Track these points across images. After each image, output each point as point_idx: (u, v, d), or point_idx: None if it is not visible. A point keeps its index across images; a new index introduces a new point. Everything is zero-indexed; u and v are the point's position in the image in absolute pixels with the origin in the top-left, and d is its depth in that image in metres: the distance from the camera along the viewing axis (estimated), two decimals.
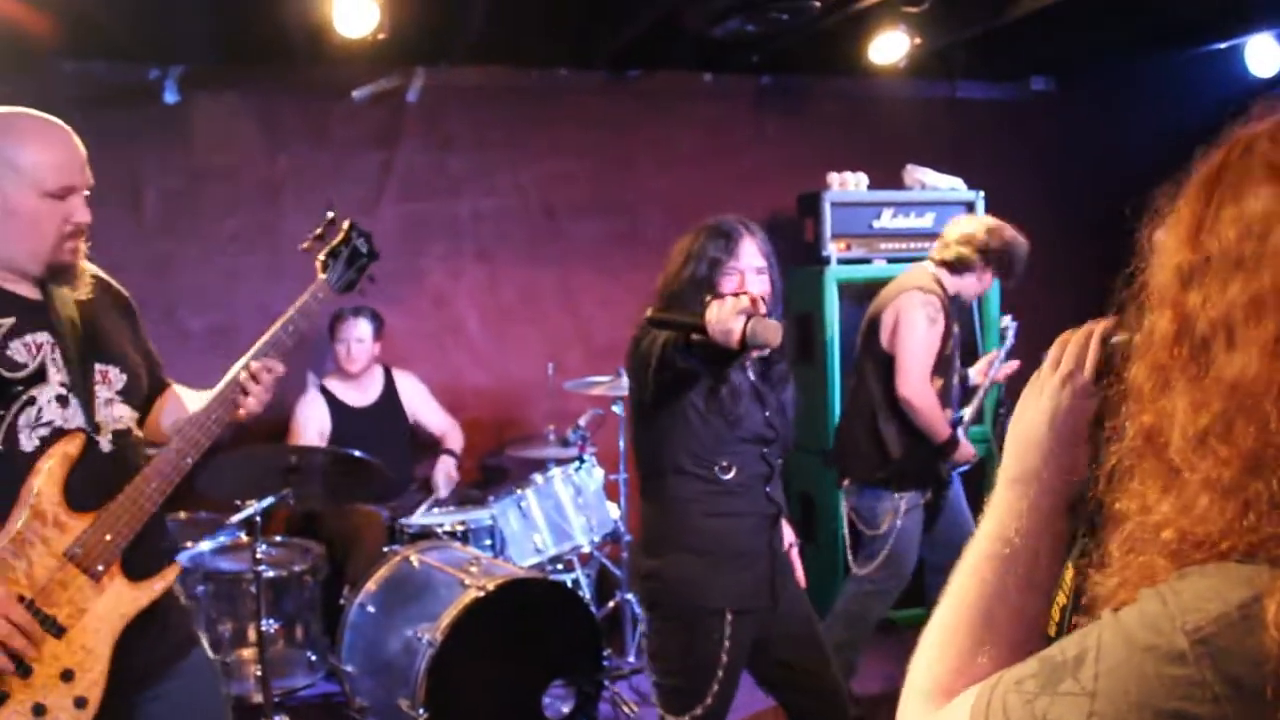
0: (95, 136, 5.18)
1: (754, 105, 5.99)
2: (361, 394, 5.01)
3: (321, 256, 2.48)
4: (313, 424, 4.90)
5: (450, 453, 5.07)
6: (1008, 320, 4.45)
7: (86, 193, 2.24)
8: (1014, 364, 4.32)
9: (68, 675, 2.09)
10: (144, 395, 2.37)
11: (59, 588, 2.10)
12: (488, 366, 5.64)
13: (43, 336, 2.15)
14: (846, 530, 4.30)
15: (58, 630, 2.10)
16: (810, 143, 5.90)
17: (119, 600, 2.17)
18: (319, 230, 2.52)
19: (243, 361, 2.33)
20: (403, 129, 5.48)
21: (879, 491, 4.16)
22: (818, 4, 4.52)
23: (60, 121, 2.24)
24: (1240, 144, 0.92)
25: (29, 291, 2.19)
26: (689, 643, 2.87)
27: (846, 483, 4.31)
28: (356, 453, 4.02)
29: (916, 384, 4.04)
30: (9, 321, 2.13)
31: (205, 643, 2.48)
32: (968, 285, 4.22)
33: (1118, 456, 0.96)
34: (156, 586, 2.23)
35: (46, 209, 2.14)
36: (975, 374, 4.39)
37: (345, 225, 2.50)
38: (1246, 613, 0.80)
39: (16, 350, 2.12)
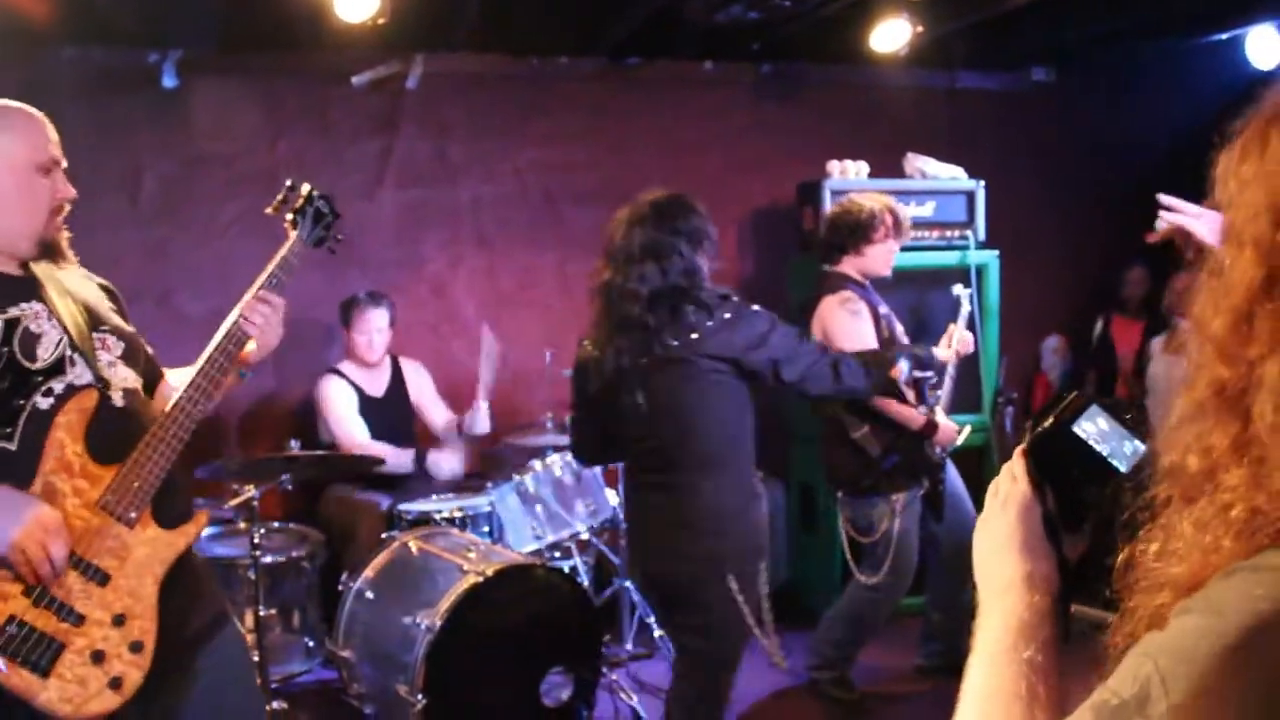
0: (93, 122, 5.26)
1: (754, 93, 5.98)
2: (374, 383, 5.00)
3: (289, 217, 2.59)
4: (344, 402, 4.86)
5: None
6: (959, 289, 4.43)
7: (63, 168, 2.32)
8: (968, 337, 4.25)
9: (119, 620, 2.15)
10: (144, 364, 2.42)
11: (96, 537, 2.16)
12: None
13: (37, 306, 2.22)
14: (845, 540, 4.28)
15: (103, 578, 2.16)
16: (810, 131, 5.89)
17: (156, 545, 2.23)
18: (281, 196, 2.62)
19: (237, 311, 2.39)
20: (402, 115, 5.47)
21: (871, 498, 4.15)
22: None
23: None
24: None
25: (14, 270, 2.25)
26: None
27: (840, 494, 4.31)
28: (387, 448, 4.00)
29: None
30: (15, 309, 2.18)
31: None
32: (865, 263, 4.25)
33: (1181, 408, 0.89)
34: (191, 530, 2.30)
35: (40, 184, 2.23)
36: (939, 352, 4.36)
37: (304, 189, 2.62)
38: None
39: (28, 318, 2.17)
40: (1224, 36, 5.57)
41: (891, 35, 5.04)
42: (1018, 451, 1.15)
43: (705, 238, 3.12)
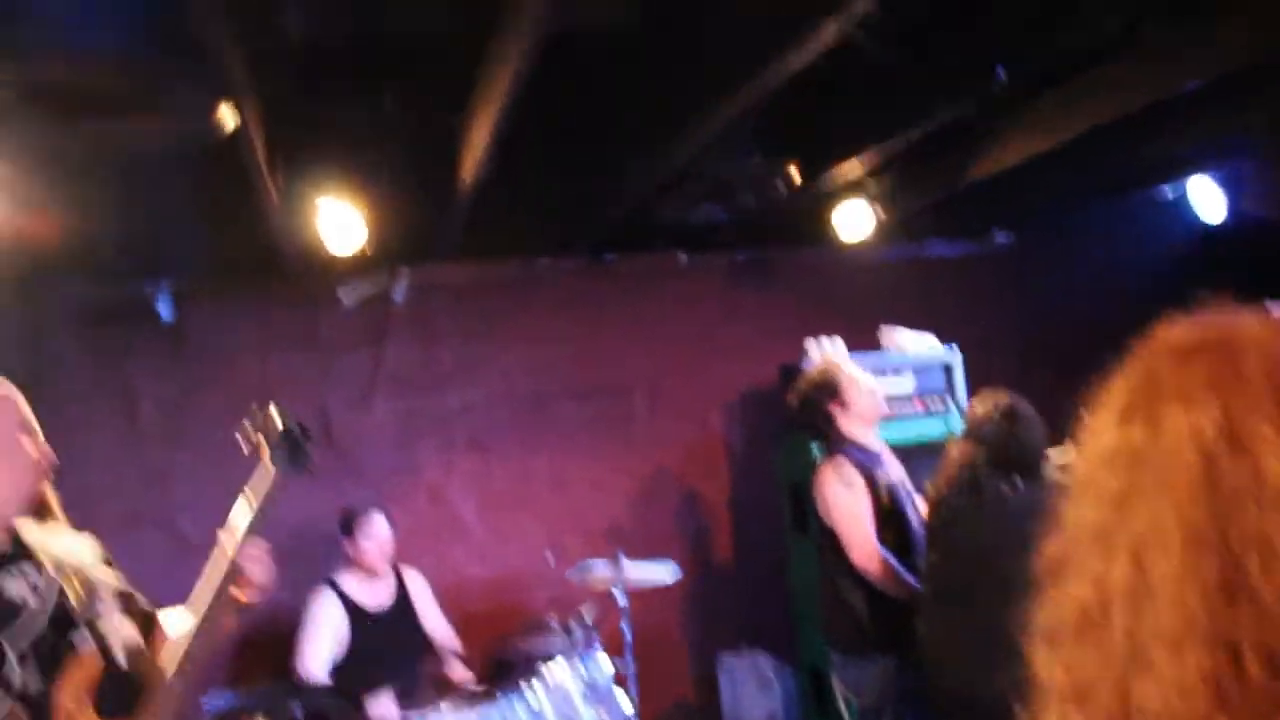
0: (91, 354, 5.36)
1: (728, 281, 6.17)
2: (376, 595, 4.86)
3: (266, 448, 2.63)
4: (329, 630, 4.72)
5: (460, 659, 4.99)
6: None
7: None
8: None
9: None
10: (140, 613, 2.44)
11: None
12: (486, 557, 5.63)
13: (28, 568, 2.28)
14: (843, 705, 4.20)
15: None
16: (786, 314, 6.04)
17: None
18: (250, 424, 2.66)
19: (228, 551, 2.47)
20: (389, 327, 5.63)
21: (861, 660, 4.11)
22: (784, 188, 4.74)
23: None
24: (1155, 356, 0.95)
25: (3, 541, 2.30)
26: None
27: (834, 655, 4.26)
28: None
29: (864, 549, 4.06)
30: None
31: None
32: (851, 427, 4.29)
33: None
34: None
35: (23, 451, 2.33)
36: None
37: (275, 418, 2.64)
38: None
39: (7, 584, 2.22)
40: (1169, 190, 5.85)
41: (856, 220, 5.24)
42: None
43: (1040, 429, 3.76)
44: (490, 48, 3.45)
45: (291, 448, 2.64)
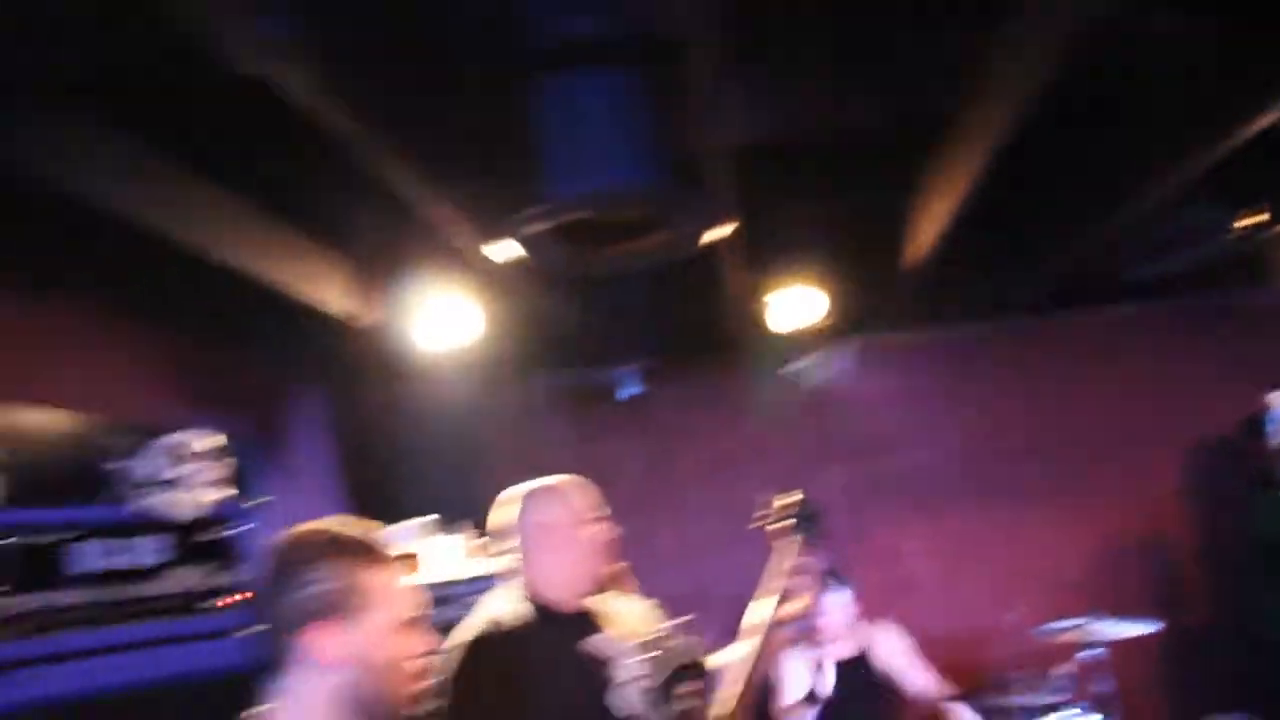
0: (568, 432, 6.02)
1: (1175, 330, 5.95)
2: (838, 650, 4.87)
3: (787, 527, 3.02)
4: (792, 683, 4.80)
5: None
6: None
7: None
8: None
9: None
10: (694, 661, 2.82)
11: None
12: (940, 616, 5.68)
13: (603, 641, 2.68)
14: None
15: None
16: (1238, 359, 5.72)
17: None
18: (767, 511, 3.06)
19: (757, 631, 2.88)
20: (839, 396, 5.94)
21: None
22: (1230, 235, 4.60)
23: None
24: None
25: (578, 606, 2.76)
26: None
27: None
28: None
29: None
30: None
31: None
32: None
33: None
34: None
35: (591, 536, 2.81)
36: None
37: (793, 497, 3.04)
38: None
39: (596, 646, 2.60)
40: None
41: None
42: None
43: None
44: (948, 131, 3.62)
45: (809, 523, 3.01)
